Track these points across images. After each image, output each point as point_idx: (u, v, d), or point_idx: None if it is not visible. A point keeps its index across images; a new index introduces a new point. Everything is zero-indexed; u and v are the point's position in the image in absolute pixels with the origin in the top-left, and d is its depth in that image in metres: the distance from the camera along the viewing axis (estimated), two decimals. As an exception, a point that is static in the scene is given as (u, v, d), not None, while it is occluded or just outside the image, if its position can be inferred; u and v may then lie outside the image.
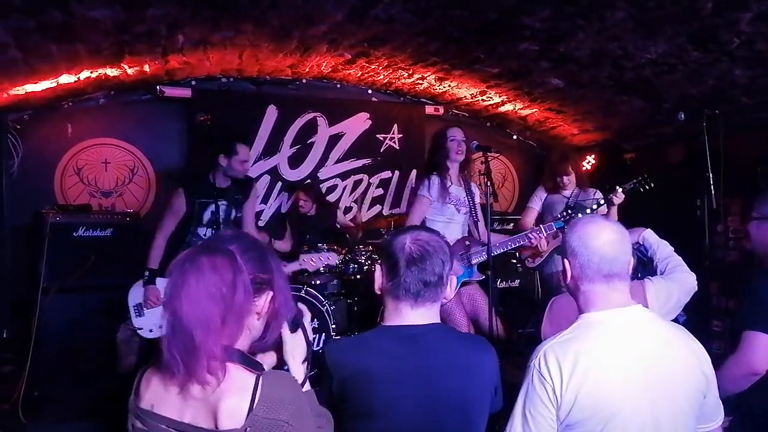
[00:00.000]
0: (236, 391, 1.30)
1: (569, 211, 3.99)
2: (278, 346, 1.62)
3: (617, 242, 1.77)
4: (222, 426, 1.29)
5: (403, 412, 1.66)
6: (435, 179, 3.97)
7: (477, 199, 4.17)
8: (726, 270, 4.63)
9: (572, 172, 4.56)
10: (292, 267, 4.19)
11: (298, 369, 1.60)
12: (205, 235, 4.04)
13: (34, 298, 4.21)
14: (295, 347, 1.62)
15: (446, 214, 3.96)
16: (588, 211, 4.02)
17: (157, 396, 1.37)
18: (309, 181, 5.93)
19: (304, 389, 1.57)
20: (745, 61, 3.91)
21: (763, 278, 2.35)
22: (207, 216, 4.04)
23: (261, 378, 1.32)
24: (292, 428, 1.30)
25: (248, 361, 1.39)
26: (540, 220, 4.52)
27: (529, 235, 3.97)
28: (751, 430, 2.29)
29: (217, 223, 4.04)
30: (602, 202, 4.12)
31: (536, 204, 4.69)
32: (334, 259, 4.37)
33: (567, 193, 4.59)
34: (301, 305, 1.66)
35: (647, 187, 4.03)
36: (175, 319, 1.29)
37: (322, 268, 4.72)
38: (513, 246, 3.99)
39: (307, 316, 1.68)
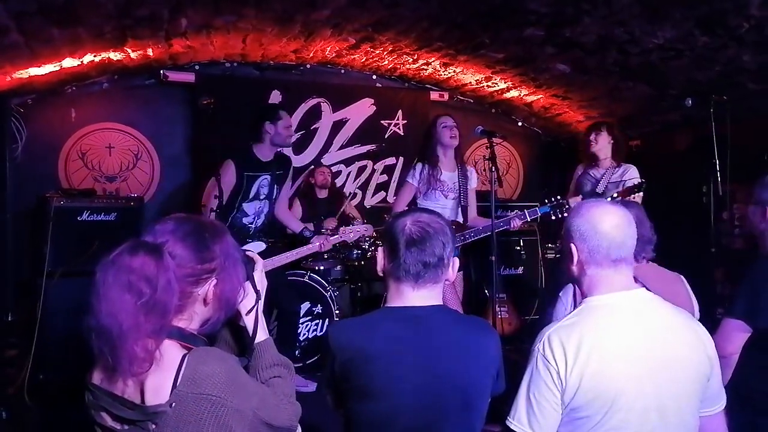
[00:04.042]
0: (162, 368, 1.34)
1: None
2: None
3: (624, 226, 1.76)
4: (148, 402, 1.33)
5: (404, 393, 1.66)
6: (420, 167, 4.10)
7: (472, 184, 4.18)
8: (731, 257, 4.61)
9: (603, 134, 4.28)
10: (333, 240, 4.19)
11: (247, 321, 1.60)
12: (253, 212, 4.04)
13: (38, 282, 4.22)
14: (245, 297, 1.60)
15: (433, 200, 4.05)
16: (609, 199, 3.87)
17: (105, 371, 1.41)
18: (313, 166, 5.93)
19: (258, 340, 1.59)
20: (753, 47, 3.86)
21: (753, 264, 2.41)
22: (254, 190, 4.03)
23: (187, 355, 1.36)
24: (222, 400, 1.34)
25: (185, 337, 1.43)
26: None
27: (511, 220, 3.91)
28: (749, 410, 2.31)
29: (264, 198, 4.06)
30: (635, 186, 3.93)
31: (573, 184, 4.50)
32: (370, 230, 4.34)
33: (598, 173, 4.32)
34: (251, 253, 1.66)
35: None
36: (95, 317, 1.31)
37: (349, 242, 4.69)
38: (489, 231, 3.87)
39: (260, 263, 1.66)
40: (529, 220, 3.91)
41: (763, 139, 4.48)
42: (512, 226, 3.94)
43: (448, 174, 4.10)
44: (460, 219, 4.12)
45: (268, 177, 4.06)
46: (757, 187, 2.54)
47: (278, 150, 4.15)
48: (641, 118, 5.60)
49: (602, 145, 4.28)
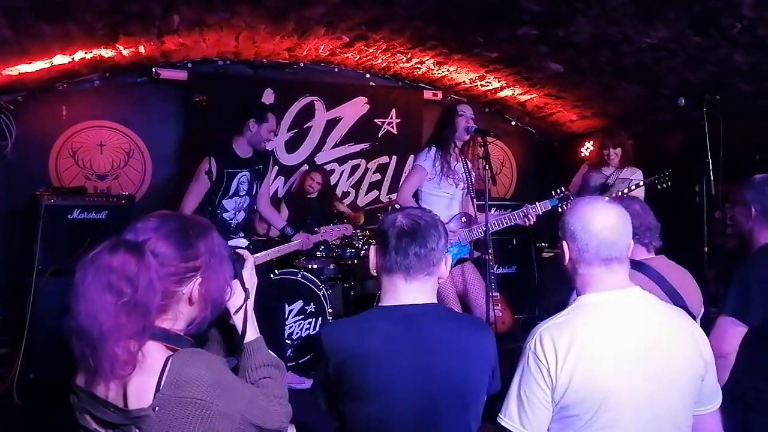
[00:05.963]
0: (145, 370, 1.30)
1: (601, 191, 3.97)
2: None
3: (617, 226, 1.74)
4: (131, 405, 1.30)
5: (399, 394, 1.65)
6: (435, 152, 3.92)
7: (474, 177, 4.09)
8: (723, 257, 4.63)
9: (620, 146, 4.59)
10: (314, 239, 4.19)
11: (236, 320, 1.57)
12: (233, 208, 3.99)
13: (28, 280, 4.19)
14: (233, 295, 1.57)
15: (445, 189, 3.91)
16: (620, 192, 4.15)
17: (88, 373, 1.37)
18: (306, 165, 5.93)
19: (247, 339, 1.56)
20: (746, 47, 3.87)
21: (743, 262, 2.44)
22: (234, 186, 3.97)
23: (171, 358, 1.32)
24: (207, 404, 1.31)
25: (170, 338, 1.39)
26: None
27: (524, 212, 3.83)
28: (741, 407, 2.33)
29: (245, 194, 4.01)
30: (641, 183, 4.30)
31: (577, 179, 4.80)
32: (350, 229, 4.41)
33: (608, 170, 4.61)
34: (240, 251, 1.63)
35: (665, 185, 4.14)
36: (74, 318, 1.27)
37: (330, 243, 4.90)
38: (508, 223, 3.87)
39: (249, 261, 1.63)
40: (541, 213, 3.82)
41: (755, 140, 4.50)
42: (527, 221, 3.85)
43: (456, 163, 3.98)
44: (471, 211, 4.00)
45: (248, 173, 4.01)
46: (742, 187, 2.56)
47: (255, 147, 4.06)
48: (634, 117, 5.62)
49: (616, 158, 4.61)
